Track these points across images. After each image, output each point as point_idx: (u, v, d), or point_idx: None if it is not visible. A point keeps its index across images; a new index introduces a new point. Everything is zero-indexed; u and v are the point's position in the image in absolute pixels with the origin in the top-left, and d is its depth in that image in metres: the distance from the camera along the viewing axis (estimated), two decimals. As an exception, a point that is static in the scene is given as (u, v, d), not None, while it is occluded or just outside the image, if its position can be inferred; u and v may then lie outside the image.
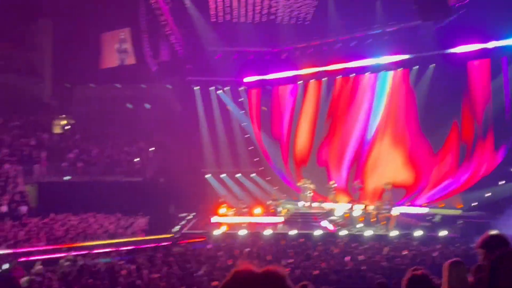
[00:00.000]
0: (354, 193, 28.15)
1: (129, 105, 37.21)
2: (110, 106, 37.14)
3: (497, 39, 24.47)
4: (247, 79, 33.90)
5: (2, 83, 34.55)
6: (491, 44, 24.66)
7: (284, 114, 33.64)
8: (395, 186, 27.13)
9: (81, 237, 23.26)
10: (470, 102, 26.07)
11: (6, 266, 17.21)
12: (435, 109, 26.78)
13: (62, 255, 17.21)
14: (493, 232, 3.58)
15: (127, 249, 18.99)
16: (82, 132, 34.82)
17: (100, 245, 21.11)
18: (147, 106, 35.02)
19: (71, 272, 13.78)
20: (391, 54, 28.55)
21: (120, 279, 12.54)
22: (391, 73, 29.72)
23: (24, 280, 12.85)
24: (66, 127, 36.63)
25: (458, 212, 25.43)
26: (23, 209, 25.75)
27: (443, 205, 26.33)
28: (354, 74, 30.98)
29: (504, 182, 24.17)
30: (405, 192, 28.03)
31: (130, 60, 32.86)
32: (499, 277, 2.39)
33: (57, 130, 36.07)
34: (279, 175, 33.08)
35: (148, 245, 19.97)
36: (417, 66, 28.62)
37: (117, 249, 18.19)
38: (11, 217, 24.53)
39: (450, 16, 20.86)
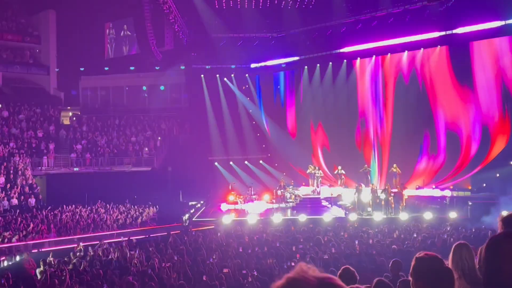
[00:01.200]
0: (363, 177, 28.05)
1: (144, 88, 37.28)
2: (116, 96, 37.23)
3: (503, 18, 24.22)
4: (253, 65, 33.84)
5: (9, 76, 34.64)
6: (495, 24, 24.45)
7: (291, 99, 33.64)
8: (404, 169, 27.05)
9: (91, 228, 23.39)
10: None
11: (18, 258, 17.36)
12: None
13: (73, 246, 17.30)
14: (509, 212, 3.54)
15: (137, 238, 19.06)
16: (89, 123, 34.91)
17: (110, 235, 21.23)
18: (162, 88, 34.89)
19: (82, 263, 13.86)
20: (397, 37, 28.32)
21: (131, 268, 12.60)
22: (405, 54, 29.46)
23: (37, 271, 12.94)
24: (73, 119, 36.76)
25: (467, 193, 25.35)
26: (32, 201, 25.93)
27: (452, 187, 26.22)
28: (359, 58, 30.79)
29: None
30: (415, 175, 27.95)
31: (135, 49, 32.78)
32: (499, 259, 2.34)
33: (64, 121, 36.20)
34: None
35: (159, 234, 20.02)
36: (422, 49, 28.34)
37: (127, 238, 18.23)
38: (21, 210, 24.73)
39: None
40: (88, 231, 22.84)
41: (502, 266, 2.28)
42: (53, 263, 13.73)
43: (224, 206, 27.20)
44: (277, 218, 23.04)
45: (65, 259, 14.72)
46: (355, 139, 31.15)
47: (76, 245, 17.00)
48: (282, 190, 27.75)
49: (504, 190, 21.38)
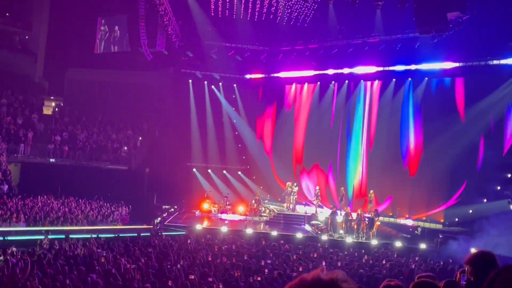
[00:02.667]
0: (338, 200, 28.19)
1: (130, 87, 36.87)
2: (101, 92, 36.95)
3: (493, 58, 24.68)
4: (242, 76, 33.98)
5: (-7, 59, 34.18)
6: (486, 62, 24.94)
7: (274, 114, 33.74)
8: (379, 196, 27.26)
9: (60, 221, 23.06)
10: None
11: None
12: (426, 123, 26.98)
13: (40, 237, 17.01)
14: (481, 249, 3.60)
15: (106, 237, 18.83)
16: (71, 116, 34.55)
17: (79, 231, 20.96)
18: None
19: (47, 255, 13.64)
20: (385, 64, 28.67)
21: (96, 266, 12.44)
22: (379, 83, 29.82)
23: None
24: (56, 109, 36.35)
25: (439, 226, 25.59)
26: (5, 187, 25.49)
27: (424, 218, 26.44)
28: (347, 81, 31.06)
29: (485, 200, 24.33)
30: (388, 203, 28.09)
31: (126, 47, 32.61)
32: None
33: (46, 111, 35.76)
34: None
35: (128, 235, 19.80)
36: (410, 79, 28.70)
37: (96, 235, 18.01)
38: (-9, 195, 24.30)
39: (447, 31, 20.92)
40: (57, 224, 22.51)
41: None
42: (14, 253, 13.46)
43: (197, 213, 27.10)
44: (249, 231, 23.01)
45: (29, 250, 14.49)
46: (337, 161, 31.24)
47: (43, 237, 16.73)
48: (257, 204, 27.76)
49: (476, 226, 21.61)
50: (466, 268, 3.54)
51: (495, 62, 24.71)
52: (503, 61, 24.54)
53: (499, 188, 24.29)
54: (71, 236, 17.57)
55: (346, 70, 30.35)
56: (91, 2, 30.18)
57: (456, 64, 25.96)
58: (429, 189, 26.31)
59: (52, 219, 23.06)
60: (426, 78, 27.83)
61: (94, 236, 18.00)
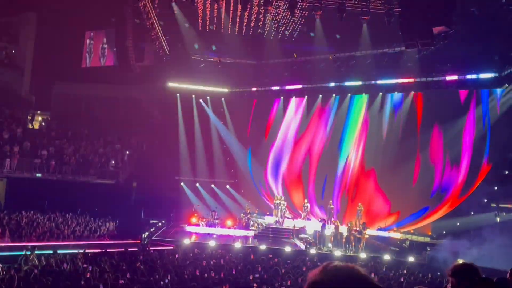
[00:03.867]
0: (327, 213, 28.19)
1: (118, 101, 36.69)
2: (89, 106, 36.79)
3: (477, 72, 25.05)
4: (230, 89, 34.07)
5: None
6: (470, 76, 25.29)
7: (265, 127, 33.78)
8: (368, 209, 27.35)
9: (47, 236, 22.79)
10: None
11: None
12: (412, 136, 27.23)
13: (26, 253, 16.76)
14: (463, 261, 3.62)
15: (93, 252, 18.62)
16: (57, 130, 34.31)
17: (66, 246, 20.72)
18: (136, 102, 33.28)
19: (34, 271, 13.45)
20: (374, 78, 28.91)
21: (82, 282, 12.29)
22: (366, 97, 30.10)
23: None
24: (42, 124, 36.09)
25: (427, 239, 25.68)
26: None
27: (412, 231, 26.53)
28: (334, 95, 31.26)
29: (472, 213, 24.51)
30: (377, 216, 28.18)
31: (113, 61, 32.56)
32: None
33: (33, 125, 35.50)
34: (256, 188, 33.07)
35: (115, 250, 19.59)
36: (396, 92, 28.99)
37: (83, 251, 17.81)
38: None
39: (433, 45, 21.20)
40: (43, 240, 22.23)
41: None
42: (0, 269, 13.26)
43: (185, 227, 26.95)
44: (237, 245, 22.90)
45: (15, 266, 14.27)
46: (325, 176, 31.32)
47: (29, 253, 16.50)
48: (246, 217, 27.69)
49: (463, 239, 21.73)
50: (450, 280, 3.55)
51: (480, 76, 25.07)
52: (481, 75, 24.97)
53: (485, 200, 24.50)
54: (58, 251, 17.37)
55: (333, 84, 30.60)
56: (78, 16, 30.08)
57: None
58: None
59: (38, 234, 22.79)
60: (413, 92, 28.12)
61: (81, 251, 17.80)
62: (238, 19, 25.92)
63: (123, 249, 19.46)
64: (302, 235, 26.37)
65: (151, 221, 29.00)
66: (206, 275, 14.47)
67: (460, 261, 3.76)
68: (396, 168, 27.70)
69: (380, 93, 29.54)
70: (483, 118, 25.66)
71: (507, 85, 24.37)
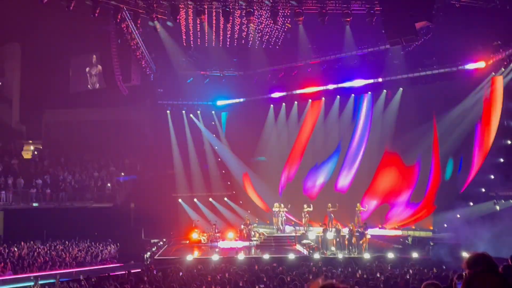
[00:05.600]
0: (327, 217, 28.16)
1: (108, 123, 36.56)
2: (79, 131, 36.64)
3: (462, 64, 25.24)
4: (220, 102, 34.11)
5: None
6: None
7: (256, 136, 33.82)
8: (367, 209, 27.33)
9: (48, 265, 22.63)
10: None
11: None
12: (405, 132, 27.24)
13: (29, 283, 16.65)
14: (477, 252, 3.57)
15: (96, 277, 18.50)
16: (50, 158, 34.18)
17: (69, 274, 20.58)
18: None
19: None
20: (360, 78, 29.05)
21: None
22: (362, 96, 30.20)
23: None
24: (35, 153, 35.93)
25: (429, 234, 25.68)
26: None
27: (414, 227, 26.54)
28: (324, 98, 31.36)
29: (471, 203, 24.50)
30: (378, 215, 28.20)
31: (101, 84, 32.57)
32: None
33: (25, 155, 35.35)
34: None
35: (119, 273, 19.48)
36: (385, 90, 29.11)
37: (86, 276, 17.68)
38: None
39: (417, 41, 21.34)
40: (45, 269, 22.08)
41: None
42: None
43: (187, 244, 26.86)
44: (241, 257, 22.83)
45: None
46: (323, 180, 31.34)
47: (33, 284, 16.39)
48: (247, 228, 27.63)
49: (465, 231, 21.72)
50: (467, 272, 3.49)
51: (467, 67, 25.21)
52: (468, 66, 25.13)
53: (483, 190, 24.52)
54: (61, 280, 17.25)
55: (321, 88, 30.75)
56: (62, 42, 30.08)
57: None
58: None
59: (40, 264, 22.64)
60: (401, 89, 28.22)
61: (84, 277, 17.68)
62: (221, 32, 26.02)
63: (126, 272, 19.34)
64: (304, 241, 26.31)
65: (152, 241, 28.89)
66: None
67: (467, 254, 3.76)
68: (392, 166, 27.81)
69: (370, 92, 29.68)
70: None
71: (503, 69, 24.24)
